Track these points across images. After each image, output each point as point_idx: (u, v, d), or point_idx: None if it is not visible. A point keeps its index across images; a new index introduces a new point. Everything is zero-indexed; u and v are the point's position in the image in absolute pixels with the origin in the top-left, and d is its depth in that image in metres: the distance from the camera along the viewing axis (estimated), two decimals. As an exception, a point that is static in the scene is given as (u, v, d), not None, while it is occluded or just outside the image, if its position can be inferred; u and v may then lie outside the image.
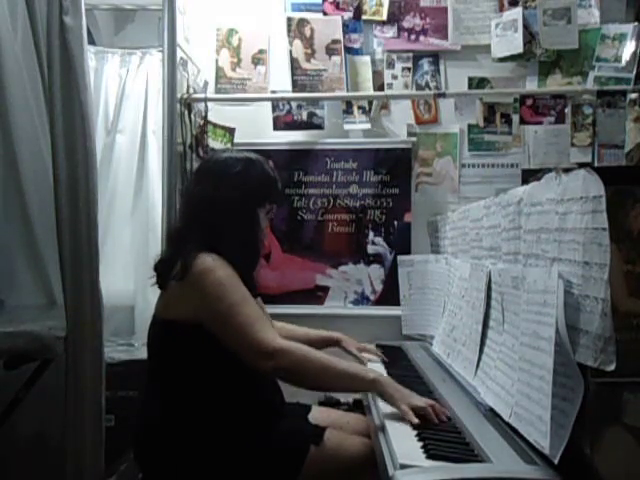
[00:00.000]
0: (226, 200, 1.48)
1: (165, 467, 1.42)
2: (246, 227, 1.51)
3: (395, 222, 2.51)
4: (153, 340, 1.51)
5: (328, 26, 2.51)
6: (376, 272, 2.51)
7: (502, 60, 2.47)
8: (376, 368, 1.78)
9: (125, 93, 2.53)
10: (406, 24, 2.56)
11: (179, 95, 2.28)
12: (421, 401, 1.29)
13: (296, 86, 2.49)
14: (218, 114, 2.48)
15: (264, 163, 1.58)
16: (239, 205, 1.49)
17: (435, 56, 2.56)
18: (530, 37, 2.42)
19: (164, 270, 1.48)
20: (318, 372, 1.37)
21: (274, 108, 2.53)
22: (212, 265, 1.40)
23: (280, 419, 1.49)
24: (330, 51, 2.50)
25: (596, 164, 2.25)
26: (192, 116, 2.40)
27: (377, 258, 2.52)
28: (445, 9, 2.53)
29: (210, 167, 1.61)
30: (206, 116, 2.44)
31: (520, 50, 2.40)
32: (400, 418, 1.26)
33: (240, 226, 1.49)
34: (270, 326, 1.44)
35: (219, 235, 1.46)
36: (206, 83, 2.53)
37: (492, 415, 1.24)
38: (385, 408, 1.34)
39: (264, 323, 1.41)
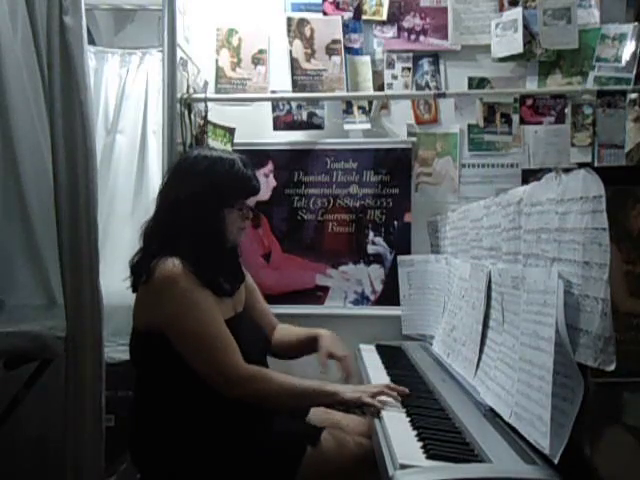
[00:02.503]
0: (188, 199, 1.44)
1: (162, 469, 1.42)
2: (207, 227, 1.45)
3: (395, 222, 2.51)
4: (134, 347, 1.51)
5: (328, 26, 2.51)
6: (376, 272, 2.51)
7: (502, 60, 2.47)
8: (377, 370, 1.78)
9: (125, 93, 2.53)
10: (406, 24, 2.56)
11: (179, 95, 2.28)
12: (377, 387, 1.42)
13: (296, 86, 2.48)
14: (218, 114, 2.48)
15: (236, 162, 1.50)
16: (201, 204, 1.44)
17: (435, 56, 2.56)
18: (530, 37, 2.42)
19: (135, 273, 1.47)
20: (283, 395, 1.40)
21: (274, 108, 2.52)
22: (173, 273, 1.36)
23: (277, 420, 1.48)
24: (330, 51, 2.49)
25: (596, 164, 2.24)
26: (192, 116, 2.39)
27: (377, 258, 2.51)
28: (445, 9, 2.53)
29: (178, 165, 1.59)
30: (206, 116, 2.43)
31: (520, 50, 2.39)
32: (400, 418, 1.27)
33: (201, 226, 1.44)
34: (234, 349, 1.38)
35: (180, 235, 1.43)
36: (206, 83, 2.52)
37: (492, 415, 1.24)
38: (384, 408, 1.34)
39: (227, 346, 1.37)
